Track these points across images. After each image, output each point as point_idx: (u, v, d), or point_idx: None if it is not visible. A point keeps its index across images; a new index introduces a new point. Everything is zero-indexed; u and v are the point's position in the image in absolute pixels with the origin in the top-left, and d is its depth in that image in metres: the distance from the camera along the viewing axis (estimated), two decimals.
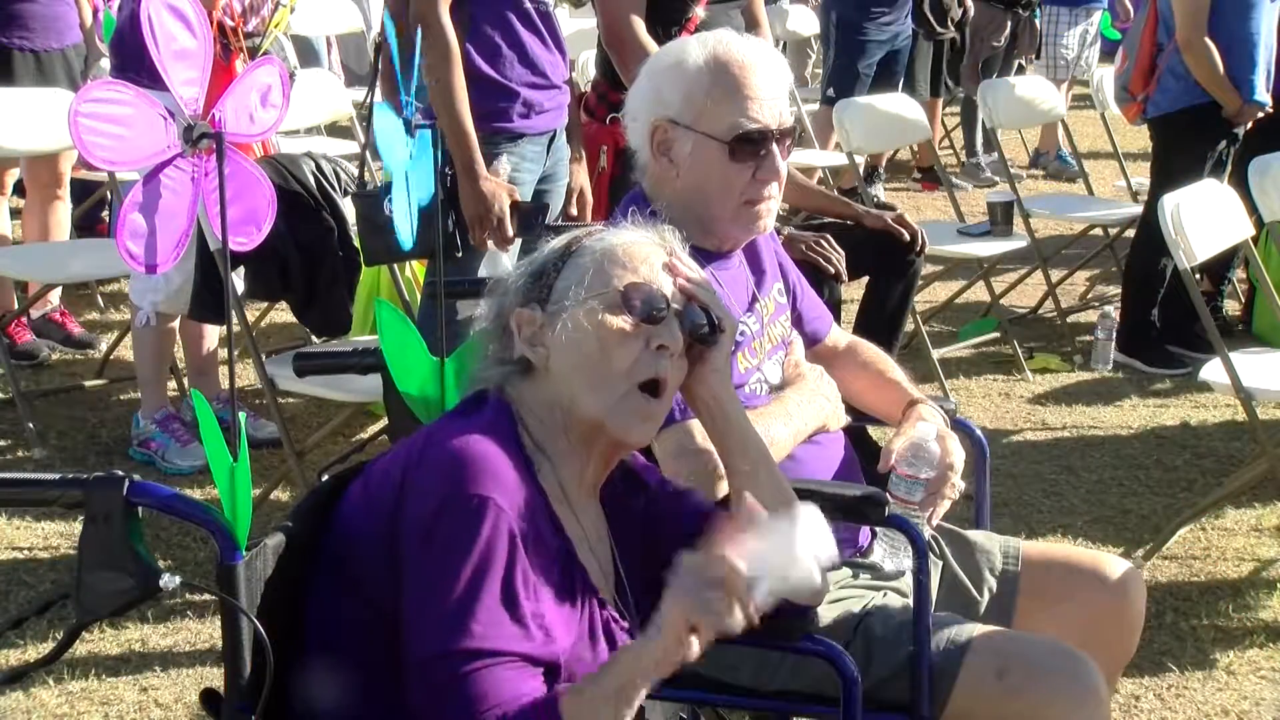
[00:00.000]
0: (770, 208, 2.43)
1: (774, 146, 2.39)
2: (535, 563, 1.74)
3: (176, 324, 4.59)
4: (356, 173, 4.13)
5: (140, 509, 1.67)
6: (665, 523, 2.01)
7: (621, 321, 1.86)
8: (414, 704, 1.71)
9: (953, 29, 8.30)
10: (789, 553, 1.60)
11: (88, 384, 5.19)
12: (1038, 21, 8.86)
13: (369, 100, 3.55)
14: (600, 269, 1.88)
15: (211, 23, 4.15)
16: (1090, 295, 6.73)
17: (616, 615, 1.90)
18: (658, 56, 2.51)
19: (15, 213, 6.00)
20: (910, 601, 2.28)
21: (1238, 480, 4.30)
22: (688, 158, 2.39)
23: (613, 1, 4.00)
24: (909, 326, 4.99)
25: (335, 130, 7.01)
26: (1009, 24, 8.75)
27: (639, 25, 3.95)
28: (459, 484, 1.71)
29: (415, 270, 4.56)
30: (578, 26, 7.21)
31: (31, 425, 4.62)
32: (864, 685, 2.11)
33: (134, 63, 4.09)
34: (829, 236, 4.11)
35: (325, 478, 1.96)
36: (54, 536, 4.02)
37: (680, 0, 4.11)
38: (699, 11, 4.13)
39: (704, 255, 2.37)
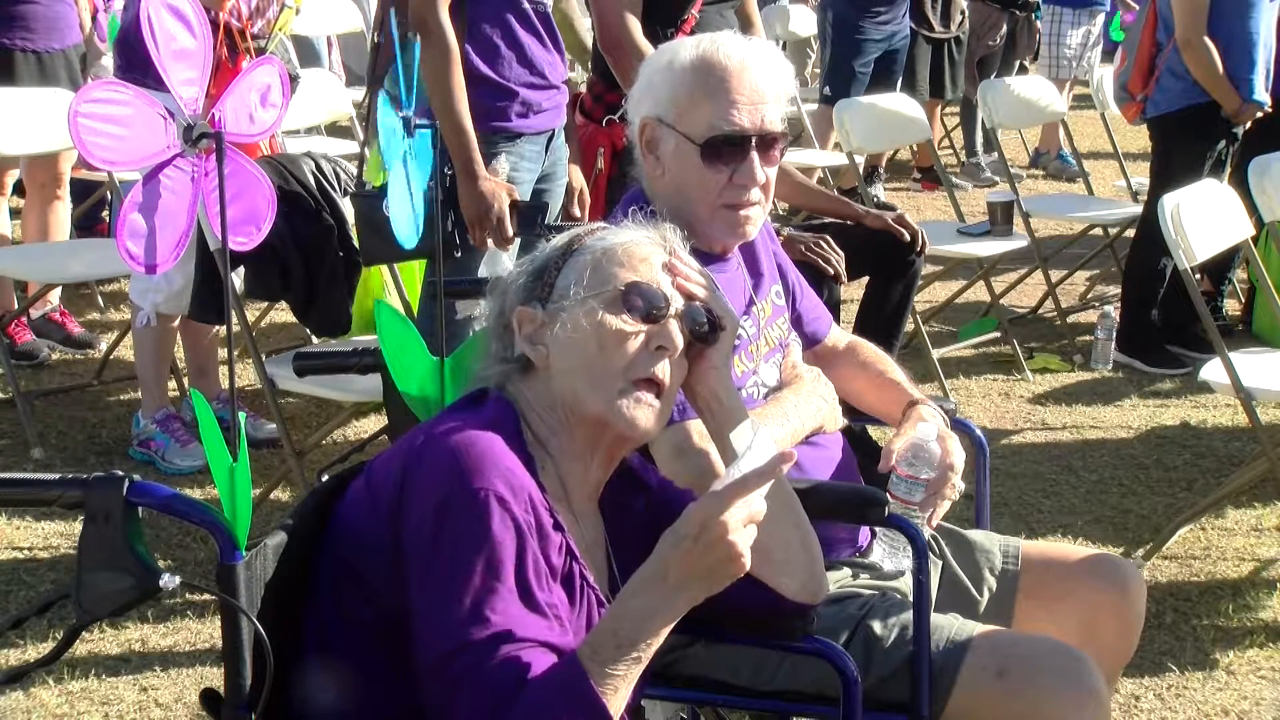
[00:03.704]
0: (753, 214, 2.39)
1: (753, 151, 2.36)
2: (541, 554, 1.74)
3: (177, 324, 4.59)
4: (356, 173, 4.13)
5: (140, 509, 1.67)
6: (660, 518, 2.01)
7: (621, 321, 1.85)
8: (431, 703, 1.70)
9: (954, 30, 8.30)
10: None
11: (87, 384, 5.19)
12: (1039, 22, 8.87)
13: (369, 100, 3.55)
14: (600, 268, 1.88)
15: (217, 25, 4.16)
16: (1090, 295, 6.74)
17: None
18: (655, 55, 2.50)
19: (15, 213, 6.01)
20: (910, 601, 2.28)
21: (1238, 480, 4.30)
22: (670, 157, 2.39)
23: (608, 3, 4.00)
24: (909, 326, 4.99)
25: (335, 130, 7.02)
26: (1005, 24, 8.76)
27: (635, 27, 3.95)
28: (462, 479, 1.70)
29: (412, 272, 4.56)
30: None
31: (31, 425, 4.63)
32: (864, 685, 2.11)
33: (139, 63, 4.09)
34: (829, 237, 4.11)
35: (325, 478, 1.96)
36: (54, 536, 4.02)
37: (676, 1, 4.11)
38: (694, 12, 4.13)
39: (699, 257, 2.36)
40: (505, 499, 1.70)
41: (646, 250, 1.92)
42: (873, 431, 3.70)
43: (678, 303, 1.90)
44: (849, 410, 2.62)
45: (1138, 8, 6.63)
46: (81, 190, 6.26)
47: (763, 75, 2.38)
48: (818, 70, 9.07)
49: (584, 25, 4.98)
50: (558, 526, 1.80)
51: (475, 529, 1.68)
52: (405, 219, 2.08)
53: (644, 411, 1.86)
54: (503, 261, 3.55)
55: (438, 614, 1.69)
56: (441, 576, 1.69)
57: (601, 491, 1.95)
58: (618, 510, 1.98)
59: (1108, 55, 8.55)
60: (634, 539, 1.98)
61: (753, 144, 2.36)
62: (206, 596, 3.59)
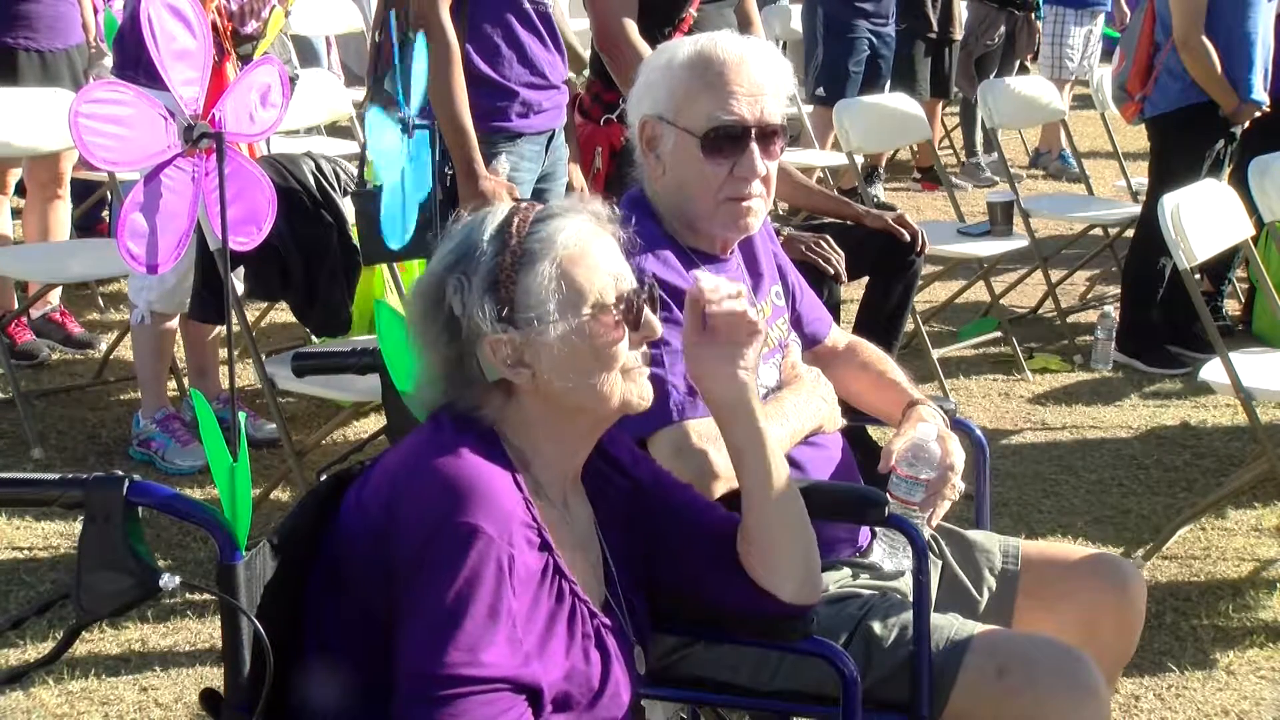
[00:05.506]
0: (754, 206, 2.39)
1: (753, 144, 2.35)
2: (522, 586, 1.74)
3: (175, 323, 4.59)
4: (356, 173, 4.13)
5: (140, 509, 1.67)
6: (655, 514, 2.01)
7: (605, 327, 1.85)
8: (394, 709, 1.71)
9: (955, 34, 8.31)
10: None
11: (87, 384, 5.19)
12: (1039, 22, 8.86)
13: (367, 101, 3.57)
14: (566, 278, 1.83)
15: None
16: (1090, 295, 6.74)
17: (607, 622, 1.90)
18: (654, 55, 2.50)
19: (16, 213, 6.01)
20: (910, 601, 2.28)
21: (1238, 480, 4.30)
22: (670, 154, 2.38)
23: (604, 4, 4.00)
24: (909, 326, 4.99)
25: (335, 130, 7.02)
26: (1003, 23, 8.76)
27: (631, 28, 3.96)
28: (450, 510, 1.71)
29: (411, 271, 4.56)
30: (576, 26, 7.21)
31: (31, 425, 4.63)
32: (864, 685, 2.11)
33: (134, 62, 4.10)
34: (829, 237, 4.11)
35: (325, 478, 1.96)
36: (54, 536, 4.02)
37: (673, 1, 4.12)
38: (692, 11, 4.14)
39: (699, 257, 2.37)
40: (490, 535, 1.70)
41: (589, 237, 1.87)
42: (873, 431, 3.70)
43: (633, 284, 1.89)
44: (849, 410, 2.62)
45: (1130, 13, 6.65)
46: (81, 190, 6.26)
47: (761, 69, 2.37)
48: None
49: (571, 30, 4.98)
50: (545, 546, 1.81)
51: (456, 561, 1.69)
52: (394, 219, 2.08)
53: (645, 384, 1.90)
54: None
55: (407, 635, 1.71)
56: (418, 601, 1.70)
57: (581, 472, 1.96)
58: (601, 490, 1.98)
59: (1108, 55, 8.54)
60: (618, 520, 1.98)
61: (752, 135, 2.35)
62: (206, 596, 3.59)
